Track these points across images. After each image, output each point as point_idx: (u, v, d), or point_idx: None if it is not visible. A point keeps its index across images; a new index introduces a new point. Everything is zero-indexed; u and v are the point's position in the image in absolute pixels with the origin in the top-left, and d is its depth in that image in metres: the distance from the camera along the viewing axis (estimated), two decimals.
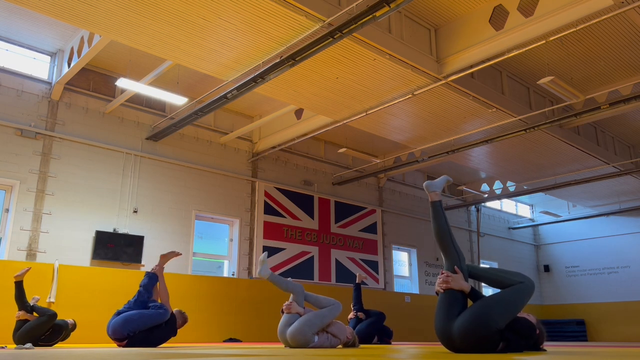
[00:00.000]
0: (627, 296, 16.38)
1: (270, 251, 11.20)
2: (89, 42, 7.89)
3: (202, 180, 10.50)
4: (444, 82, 7.84)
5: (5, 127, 8.38)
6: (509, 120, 9.31)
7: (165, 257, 6.21)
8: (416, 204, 15.01)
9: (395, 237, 14.14)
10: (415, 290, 14.40)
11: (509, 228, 18.20)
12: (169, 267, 9.53)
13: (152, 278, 5.98)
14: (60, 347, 5.79)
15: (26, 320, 6.18)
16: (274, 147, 11.11)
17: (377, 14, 5.89)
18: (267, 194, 11.49)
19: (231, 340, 9.73)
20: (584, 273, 17.57)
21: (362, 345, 6.64)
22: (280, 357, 2.96)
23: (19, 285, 6.20)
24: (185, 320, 6.18)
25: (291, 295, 5.61)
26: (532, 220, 18.97)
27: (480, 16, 7.45)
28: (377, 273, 13.26)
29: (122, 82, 7.94)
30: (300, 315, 5.35)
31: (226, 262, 10.89)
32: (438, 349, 4.51)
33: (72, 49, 8.56)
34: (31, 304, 6.26)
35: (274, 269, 11.12)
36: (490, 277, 3.38)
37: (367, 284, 9.56)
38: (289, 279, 5.83)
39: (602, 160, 11.63)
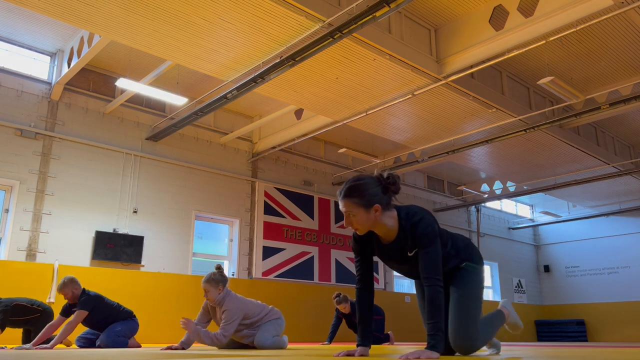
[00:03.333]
0: (627, 296, 16.36)
1: (270, 251, 11.20)
2: (88, 42, 7.89)
3: (202, 180, 10.49)
4: (444, 82, 7.84)
5: (5, 127, 8.38)
6: (509, 120, 9.31)
7: None
8: (416, 204, 14.93)
9: None
10: (415, 290, 14.37)
11: (509, 228, 18.19)
12: (170, 268, 9.56)
13: None
14: (60, 348, 5.78)
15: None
16: (274, 147, 11.10)
17: (377, 14, 5.88)
18: (267, 194, 11.49)
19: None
20: (584, 273, 17.56)
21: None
22: (280, 357, 2.96)
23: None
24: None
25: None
26: (532, 220, 18.95)
27: (480, 16, 7.45)
28: (377, 273, 13.25)
29: (122, 82, 7.94)
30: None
31: (226, 263, 10.88)
32: None
33: (72, 49, 8.55)
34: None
35: (274, 269, 11.13)
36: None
37: None
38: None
39: (602, 161, 11.62)
